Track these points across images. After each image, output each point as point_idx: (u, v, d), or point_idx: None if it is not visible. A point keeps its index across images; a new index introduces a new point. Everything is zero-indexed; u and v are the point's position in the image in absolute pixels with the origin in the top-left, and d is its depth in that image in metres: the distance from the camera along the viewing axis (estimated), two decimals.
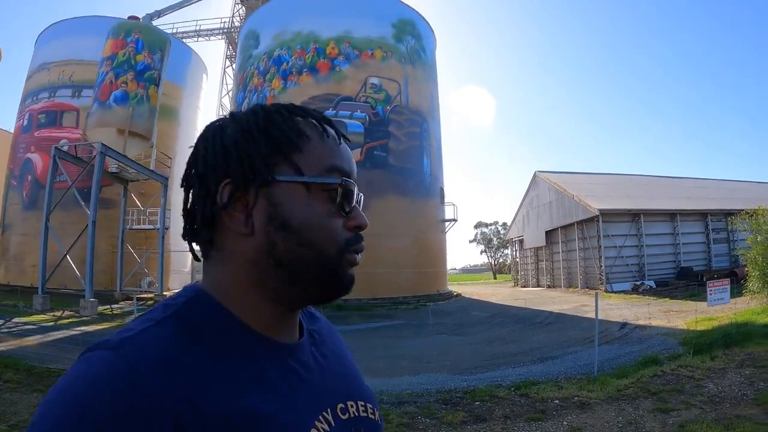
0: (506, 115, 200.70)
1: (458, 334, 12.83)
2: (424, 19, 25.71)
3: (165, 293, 21.82)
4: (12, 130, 33.31)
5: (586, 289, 27.46)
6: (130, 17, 22.89)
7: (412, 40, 24.08)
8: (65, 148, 19.66)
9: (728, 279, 10.00)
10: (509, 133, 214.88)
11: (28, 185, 26.73)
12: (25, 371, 7.57)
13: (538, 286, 33.74)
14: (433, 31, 26.70)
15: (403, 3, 24.95)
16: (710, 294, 9.61)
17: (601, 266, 26.63)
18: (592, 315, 15.84)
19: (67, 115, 26.98)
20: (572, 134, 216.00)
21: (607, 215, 26.47)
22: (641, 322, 13.36)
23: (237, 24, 33.26)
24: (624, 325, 13.05)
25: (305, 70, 21.86)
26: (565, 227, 29.93)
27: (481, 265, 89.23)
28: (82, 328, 12.90)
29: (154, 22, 24.57)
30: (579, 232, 28.56)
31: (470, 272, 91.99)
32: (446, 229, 24.74)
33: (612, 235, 26.70)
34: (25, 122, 28.11)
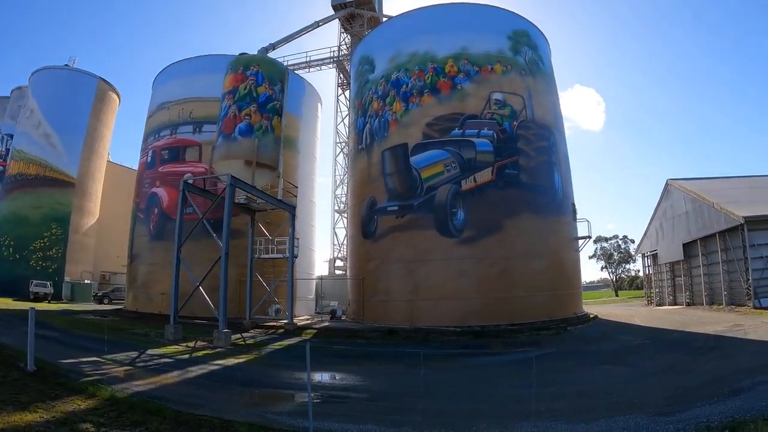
0: (617, 117, 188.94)
1: (619, 364, 11.80)
2: (537, 27, 24.57)
3: (294, 321, 21.88)
4: (135, 168, 36.08)
5: (732, 306, 24.74)
6: (241, 54, 23.50)
7: (529, 51, 23.03)
8: (191, 182, 20.21)
9: None
10: (621, 137, 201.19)
11: (155, 218, 28.33)
12: (173, 420, 6.56)
13: (675, 304, 30.91)
14: (546, 39, 25.48)
15: (514, 13, 24.05)
16: None
17: (748, 280, 23.95)
18: (752, 336, 14.57)
19: (190, 150, 28.44)
20: (698, 134, 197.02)
21: (753, 222, 23.85)
22: None
23: (345, 52, 33.78)
24: None
25: (426, 90, 21.45)
26: (704, 239, 27.28)
27: (598, 281, 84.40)
28: (220, 361, 12.41)
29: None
30: (721, 243, 25.88)
31: (587, 290, 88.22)
32: (580, 248, 23.14)
33: (758, 245, 24.01)
34: (149, 159, 29.93)
